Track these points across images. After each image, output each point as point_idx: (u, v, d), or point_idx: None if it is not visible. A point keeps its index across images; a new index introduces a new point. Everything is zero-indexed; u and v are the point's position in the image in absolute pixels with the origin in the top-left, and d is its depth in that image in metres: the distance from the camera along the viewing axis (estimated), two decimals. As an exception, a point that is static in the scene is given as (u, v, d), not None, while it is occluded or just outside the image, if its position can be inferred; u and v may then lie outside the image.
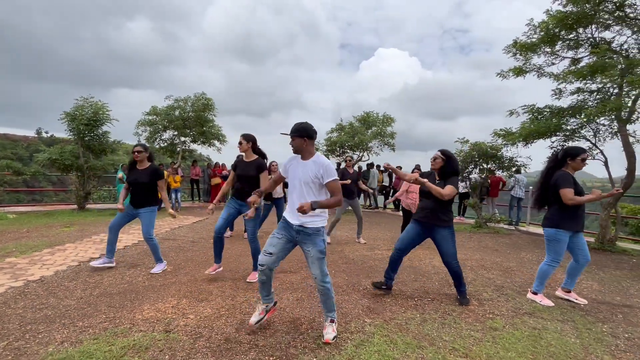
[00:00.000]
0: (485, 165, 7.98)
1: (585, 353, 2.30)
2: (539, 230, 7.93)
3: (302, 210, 2.11)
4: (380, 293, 3.35)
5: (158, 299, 3.05)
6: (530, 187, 8.95)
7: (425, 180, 2.98)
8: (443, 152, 3.16)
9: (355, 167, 11.62)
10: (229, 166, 10.09)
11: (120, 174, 8.24)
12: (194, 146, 11.67)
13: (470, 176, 8.17)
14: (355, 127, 10.70)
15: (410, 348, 2.27)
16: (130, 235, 5.70)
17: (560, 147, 6.62)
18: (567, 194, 3.00)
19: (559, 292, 3.41)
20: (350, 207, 5.85)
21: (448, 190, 2.95)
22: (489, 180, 8.38)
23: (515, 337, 2.49)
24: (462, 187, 9.04)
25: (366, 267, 4.36)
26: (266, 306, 2.52)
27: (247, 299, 3.06)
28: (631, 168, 5.55)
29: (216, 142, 11.64)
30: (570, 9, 6.15)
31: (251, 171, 3.47)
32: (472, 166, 7.99)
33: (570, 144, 6.39)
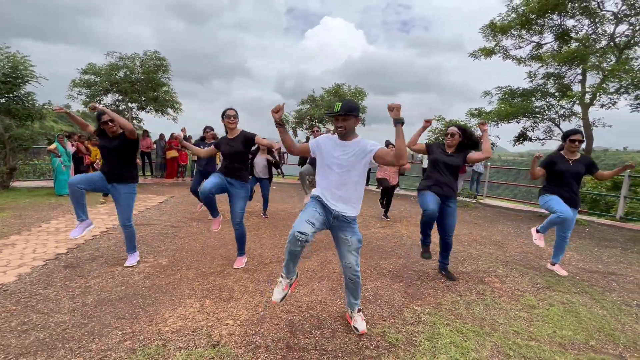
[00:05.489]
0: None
1: (620, 324, 2.53)
2: (496, 202, 8.74)
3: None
4: (402, 275, 3.30)
5: (174, 302, 2.57)
6: (488, 164, 9.73)
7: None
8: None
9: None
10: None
11: (54, 145, 6.83)
12: (144, 115, 10.22)
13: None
14: (327, 100, 10.29)
15: (479, 336, 2.25)
16: (95, 222, 4.77)
17: (526, 128, 7.19)
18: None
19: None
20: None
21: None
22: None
23: (557, 314, 2.63)
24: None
25: (374, 247, 4.29)
26: (290, 279, 2.23)
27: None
28: (588, 149, 6.26)
29: (170, 111, 10.32)
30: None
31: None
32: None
33: (539, 125, 6.96)
